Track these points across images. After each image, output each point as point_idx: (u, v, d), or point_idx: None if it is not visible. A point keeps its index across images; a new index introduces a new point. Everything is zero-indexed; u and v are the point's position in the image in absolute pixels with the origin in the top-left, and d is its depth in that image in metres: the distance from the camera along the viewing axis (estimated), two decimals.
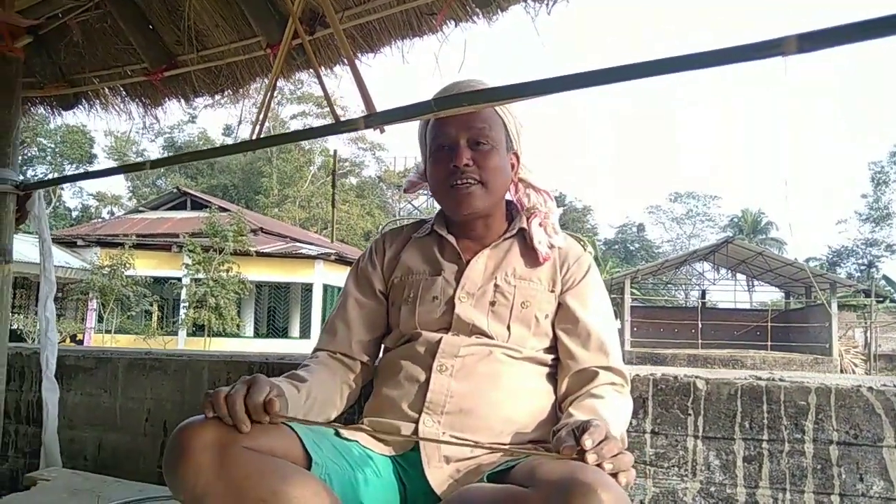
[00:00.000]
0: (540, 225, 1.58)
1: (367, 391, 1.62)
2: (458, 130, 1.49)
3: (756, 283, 31.16)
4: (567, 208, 48.24)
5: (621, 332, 24.51)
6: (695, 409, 1.71)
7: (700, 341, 24.03)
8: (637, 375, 1.75)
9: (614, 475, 1.05)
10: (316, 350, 1.62)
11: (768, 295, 33.39)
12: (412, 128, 1.59)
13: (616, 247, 56.68)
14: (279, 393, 1.24)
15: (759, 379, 1.70)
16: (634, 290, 29.53)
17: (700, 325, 24.47)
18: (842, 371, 19.95)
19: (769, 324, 24.62)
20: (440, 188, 1.54)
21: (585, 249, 1.63)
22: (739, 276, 31.37)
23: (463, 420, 1.39)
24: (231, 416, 1.15)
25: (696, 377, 1.73)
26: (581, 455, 1.06)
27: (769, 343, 23.91)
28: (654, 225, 58.48)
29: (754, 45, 0.93)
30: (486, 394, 1.41)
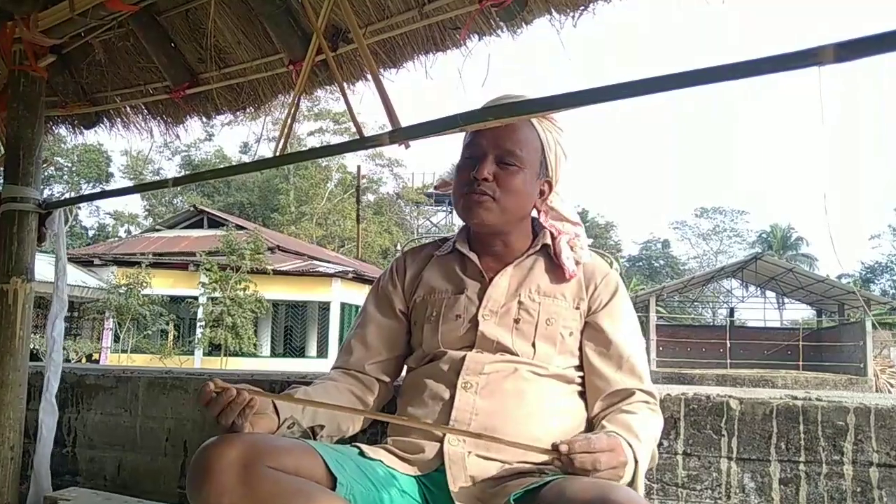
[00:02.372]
0: (567, 243, 1.58)
1: (391, 411, 1.63)
2: (489, 144, 1.50)
3: (786, 300, 30.78)
4: (589, 224, 48.17)
5: (647, 351, 24.23)
6: (728, 430, 1.69)
7: (729, 361, 23.71)
8: (668, 395, 1.74)
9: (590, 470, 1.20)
10: (331, 369, 1.64)
11: (799, 313, 32.97)
12: (431, 144, 1.61)
13: (640, 264, 56.29)
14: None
15: (796, 398, 1.68)
16: (660, 309, 29.26)
17: (728, 345, 24.16)
18: (877, 391, 19.57)
19: (800, 343, 24.25)
20: (456, 194, 1.56)
21: (612, 266, 1.63)
22: (769, 293, 31.02)
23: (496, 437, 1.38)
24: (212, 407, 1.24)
25: (730, 396, 1.71)
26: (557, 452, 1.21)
27: (801, 362, 23.53)
28: (679, 241, 58.03)
29: (789, 56, 0.93)
30: (512, 411, 1.41)
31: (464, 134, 1.59)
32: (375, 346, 1.61)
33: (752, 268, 25.64)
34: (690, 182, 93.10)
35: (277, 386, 2.10)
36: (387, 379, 1.62)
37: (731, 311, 31.48)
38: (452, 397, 1.43)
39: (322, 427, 1.45)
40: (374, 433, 1.83)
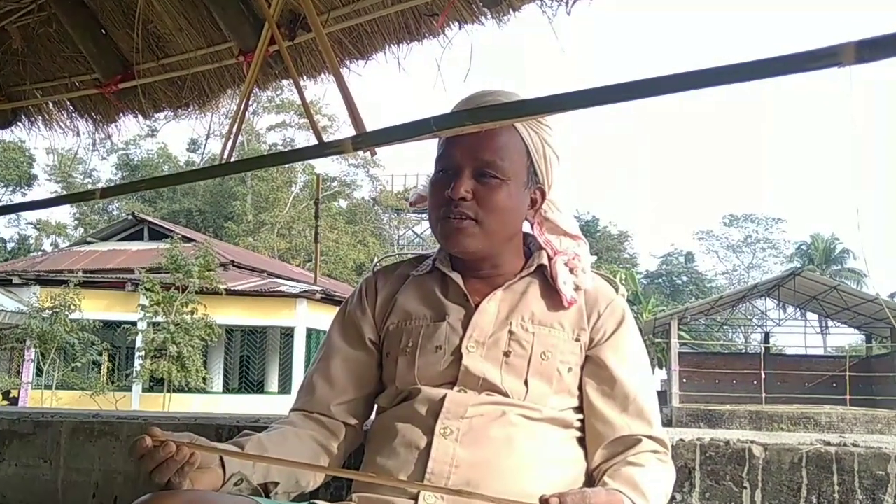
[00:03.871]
0: (566, 265, 1.58)
1: (359, 458, 1.63)
2: (464, 156, 1.50)
3: (830, 323, 30.97)
4: (600, 234, 48.40)
5: (668, 384, 24.40)
6: (751, 482, 1.71)
7: (764, 395, 23.82)
8: (681, 440, 1.75)
9: None
10: (290, 411, 1.63)
11: (846, 338, 33.21)
12: (410, 143, 1.61)
13: (660, 280, 56.56)
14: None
15: (828, 444, 1.70)
16: (683, 333, 29.38)
17: (763, 376, 24.28)
18: None
19: (847, 373, 24.40)
20: (431, 217, 1.56)
21: (618, 291, 1.64)
22: (810, 315, 31.20)
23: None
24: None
25: (752, 442, 1.73)
26: None
27: (848, 396, 23.67)
28: (705, 254, 58.35)
29: (806, 55, 0.95)
30: (499, 463, 1.41)
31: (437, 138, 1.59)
32: (341, 383, 1.60)
33: (789, 285, 25.82)
34: (717, 186, 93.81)
35: (225, 432, 2.10)
36: (355, 422, 1.61)
37: (766, 337, 31.61)
38: (429, 445, 1.43)
39: (276, 484, 1.45)
40: (338, 487, 1.83)
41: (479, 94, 1.55)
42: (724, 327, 36.79)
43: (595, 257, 1.67)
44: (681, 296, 52.28)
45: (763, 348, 28.38)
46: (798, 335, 31.28)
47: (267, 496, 1.43)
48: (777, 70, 1.00)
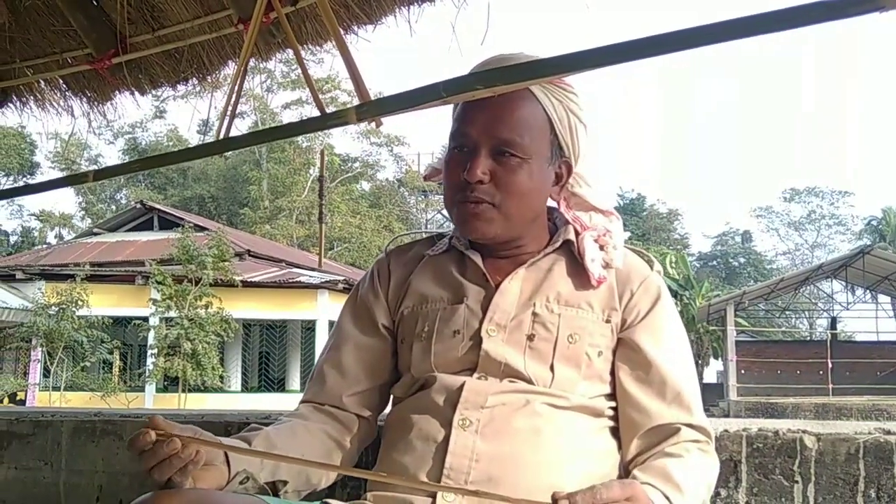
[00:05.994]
0: (596, 241, 1.57)
1: (375, 452, 1.64)
2: (481, 133, 1.48)
3: None
4: (647, 213, 47.98)
5: (724, 375, 24.22)
6: (803, 475, 1.69)
7: (831, 386, 23.57)
8: (726, 431, 1.74)
9: None
10: (300, 404, 1.64)
11: None
12: (439, 114, 1.60)
13: (714, 263, 56.05)
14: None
15: (888, 433, 1.68)
16: (740, 320, 29.14)
17: (830, 365, 24.01)
18: None
19: None
20: (447, 200, 1.55)
21: (652, 267, 1.62)
22: (882, 297, 30.75)
23: (493, 492, 1.39)
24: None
25: (804, 432, 1.72)
26: None
27: None
28: (764, 232, 57.78)
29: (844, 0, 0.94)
30: (523, 457, 1.41)
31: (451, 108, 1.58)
32: (354, 372, 1.60)
33: (858, 265, 25.46)
34: (777, 157, 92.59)
35: (234, 429, 2.12)
36: (368, 413, 1.62)
37: (833, 322, 31.26)
38: (447, 438, 1.42)
39: (285, 482, 1.46)
40: (355, 486, 1.85)
41: (497, 59, 1.53)
42: (786, 313, 36.38)
43: (628, 233, 1.65)
44: (737, 279, 51.85)
45: (830, 335, 27.95)
46: (869, 320, 30.82)
47: (276, 495, 1.44)
48: (811, 17, 0.99)
